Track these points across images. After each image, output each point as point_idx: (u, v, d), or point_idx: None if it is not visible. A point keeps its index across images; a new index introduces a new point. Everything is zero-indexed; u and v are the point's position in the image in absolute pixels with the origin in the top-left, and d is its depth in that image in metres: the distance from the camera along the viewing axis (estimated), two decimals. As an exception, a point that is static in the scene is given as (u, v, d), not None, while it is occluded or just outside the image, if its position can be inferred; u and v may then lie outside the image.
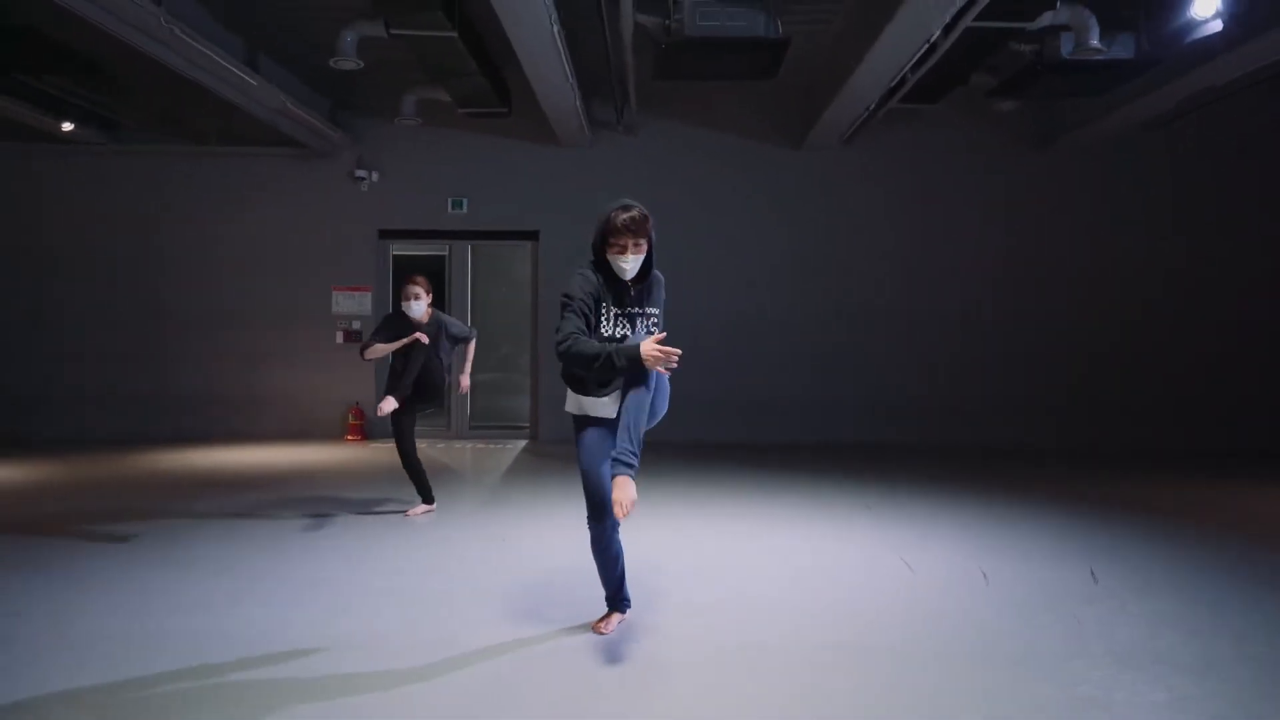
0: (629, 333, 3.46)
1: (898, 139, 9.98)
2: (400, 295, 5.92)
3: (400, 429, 5.89)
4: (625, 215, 3.37)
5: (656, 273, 3.57)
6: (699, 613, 4.02)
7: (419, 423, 6.15)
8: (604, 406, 3.51)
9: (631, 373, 3.27)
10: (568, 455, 8.22)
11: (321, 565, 4.77)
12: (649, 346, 3.20)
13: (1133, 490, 7.18)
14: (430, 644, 3.56)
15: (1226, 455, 9.18)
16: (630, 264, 3.43)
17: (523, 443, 10.20)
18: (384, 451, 9.17)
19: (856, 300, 10.16)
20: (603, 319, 3.44)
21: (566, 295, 3.41)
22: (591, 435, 3.54)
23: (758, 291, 10.18)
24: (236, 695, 3.05)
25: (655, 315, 3.55)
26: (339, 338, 10.27)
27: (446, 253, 10.55)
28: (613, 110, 9.53)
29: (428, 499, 6.14)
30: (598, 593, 3.81)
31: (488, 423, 10.98)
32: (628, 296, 3.50)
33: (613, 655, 3.47)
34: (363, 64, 7.27)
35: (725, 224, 10.20)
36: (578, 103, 8.29)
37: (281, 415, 10.30)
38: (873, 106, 8.32)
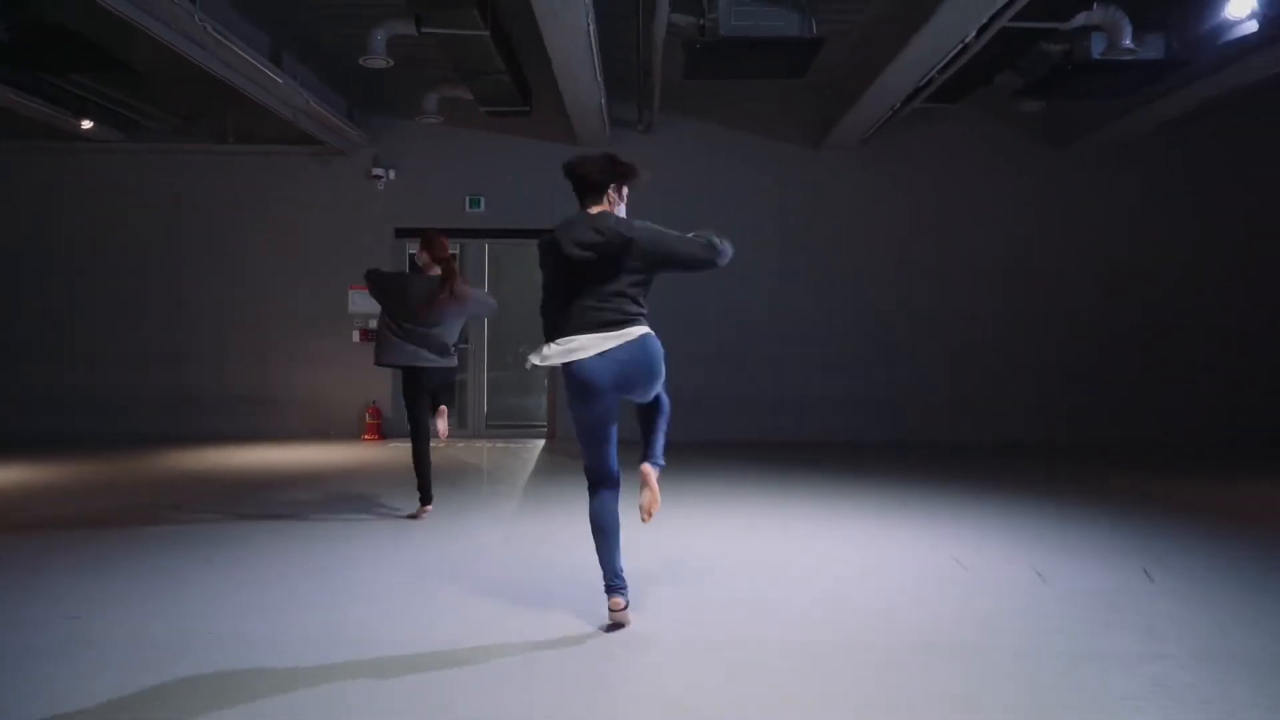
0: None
1: (916, 138, 10.01)
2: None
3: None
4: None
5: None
6: (753, 613, 4.02)
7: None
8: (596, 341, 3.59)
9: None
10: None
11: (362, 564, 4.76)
12: None
13: (1170, 487, 7.22)
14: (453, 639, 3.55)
15: (1254, 450, 9.26)
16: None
17: (540, 443, 10.19)
18: (403, 450, 9.13)
19: (874, 299, 10.19)
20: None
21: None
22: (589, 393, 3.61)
23: (773, 292, 10.19)
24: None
25: None
26: (355, 336, 10.22)
27: (455, 251, 10.52)
28: (634, 108, 9.51)
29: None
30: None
31: (505, 421, 11.02)
32: None
33: (647, 648, 3.48)
34: (392, 62, 7.24)
35: (745, 223, 10.19)
36: (603, 100, 8.28)
37: (298, 415, 10.26)
38: (897, 106, 8.33)
